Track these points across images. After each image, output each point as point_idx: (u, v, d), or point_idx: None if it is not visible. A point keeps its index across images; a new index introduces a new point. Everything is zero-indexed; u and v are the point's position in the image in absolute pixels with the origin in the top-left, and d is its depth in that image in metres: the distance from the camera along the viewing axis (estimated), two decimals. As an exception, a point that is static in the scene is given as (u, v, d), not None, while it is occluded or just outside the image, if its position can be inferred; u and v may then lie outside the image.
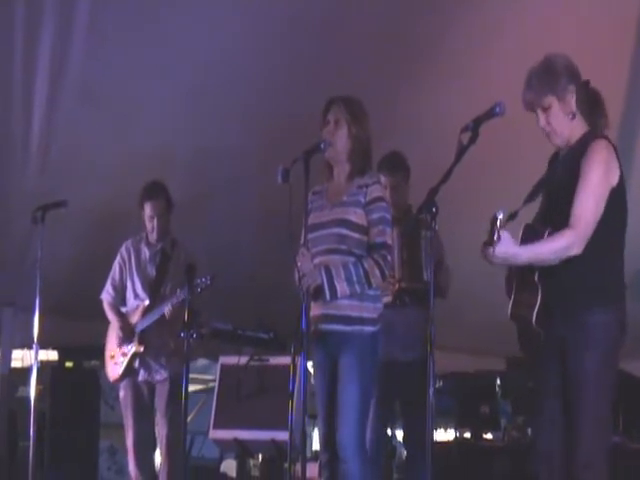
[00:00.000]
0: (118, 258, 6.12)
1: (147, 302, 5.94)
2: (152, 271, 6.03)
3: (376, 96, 6.08)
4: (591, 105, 3.88)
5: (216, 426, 6.45)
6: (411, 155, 5.60)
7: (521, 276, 3.85)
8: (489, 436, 7.33)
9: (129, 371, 5.96)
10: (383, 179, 5.22)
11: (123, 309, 6.10)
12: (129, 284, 6.08)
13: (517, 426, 7.29)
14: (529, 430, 6.97)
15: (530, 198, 3.89)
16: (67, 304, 7.06)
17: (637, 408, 7.13)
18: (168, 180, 6.13)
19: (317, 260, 4.40)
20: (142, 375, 5.95)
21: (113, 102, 6.48)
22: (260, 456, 6.63)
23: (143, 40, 6.24)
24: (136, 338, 5.92)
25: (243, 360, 6.42)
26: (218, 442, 6.64)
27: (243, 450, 6.52)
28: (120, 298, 6.11)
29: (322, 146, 4.39)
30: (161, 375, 5.94)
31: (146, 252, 6.08)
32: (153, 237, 6.05)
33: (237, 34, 6.26)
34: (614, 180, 3.77)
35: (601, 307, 3.74)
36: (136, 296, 6.04)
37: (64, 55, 6.20)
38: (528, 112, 3.92)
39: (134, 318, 5.99)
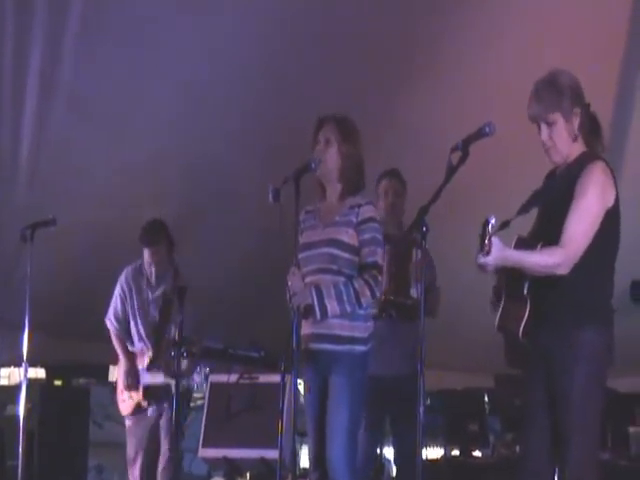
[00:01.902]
0: (118, 289, 6.11)
1: (151, 354, 5.96)
2: (155, 314, 6.03)
3: (375, 96, 6.11)
4: (590, 128, 3.88)
5: (205, 444, 6.42)
6: (406, 157, 5.62)
7: (510, 288, 3.84)
8: (478, 453, 7.33)
9: (137, 411, 6.05)
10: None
11: (130, 348, 6.10)
12: (133, 324, 6.09)
13: (506, 443, 7.30)
14: (517, 447, 6.97)
15: (523, 209, 3.87)
16: (55, 322, 7.02)
17: (624, 425, 7.15)
18: (162, 194, 6.09)
19: (308, 279, 4.41)
20: (151, 412, 6.04)
21: (105, 114, 6.45)
22: (248, 474, 6.61)
23: (136, 51, 6.21)
24: (140, 391, 6.00)
25: (233, 378, 6.40)
26: (207, 460, 6.61)
27: (232, 468, 6.49)
28: (124, 330, 6.13)
29: (313, 165, 4.38)
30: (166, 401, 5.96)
31: (148, 293, 6.07)
32: (152, 280, 6.04)
33: (237, 34, 6.26)
34: (610, 202, 3.77)
35: (591, 325, 3.73)
36: (140, 339, 6.07)
37: (54, 67, 6.18)
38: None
39: (140, 362, 6.03)
